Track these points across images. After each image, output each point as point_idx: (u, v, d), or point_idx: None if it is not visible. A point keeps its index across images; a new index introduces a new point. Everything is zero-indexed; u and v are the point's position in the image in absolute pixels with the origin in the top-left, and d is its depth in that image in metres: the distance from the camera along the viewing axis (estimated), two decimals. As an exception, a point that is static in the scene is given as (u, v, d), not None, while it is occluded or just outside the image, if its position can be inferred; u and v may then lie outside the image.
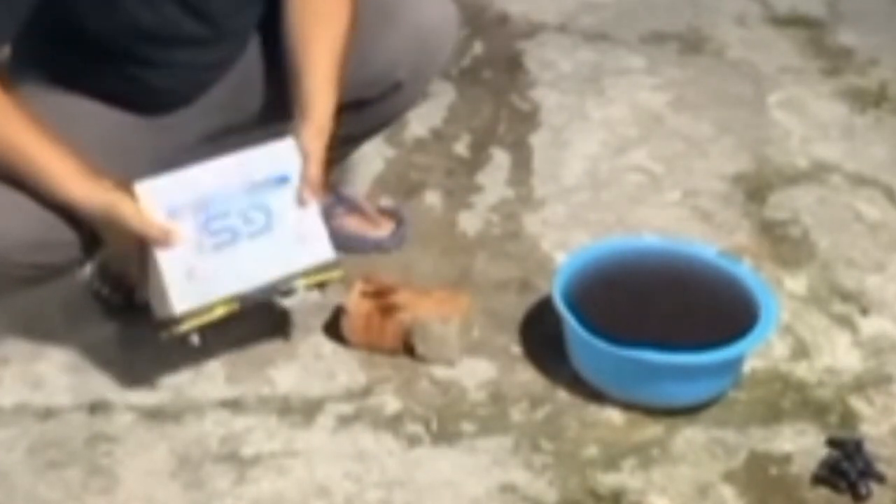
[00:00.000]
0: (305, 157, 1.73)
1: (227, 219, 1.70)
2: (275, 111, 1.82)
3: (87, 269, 1.94)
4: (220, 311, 1.71)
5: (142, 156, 1.75)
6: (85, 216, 1.63)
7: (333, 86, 1.76)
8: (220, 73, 1.81)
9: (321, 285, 1.80)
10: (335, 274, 1.80)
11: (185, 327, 1.69)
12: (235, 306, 1.73)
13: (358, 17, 1.80)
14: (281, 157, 1.74)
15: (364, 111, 1.90)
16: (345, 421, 1.77)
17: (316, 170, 1.74)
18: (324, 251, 1.78)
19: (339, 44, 1.77)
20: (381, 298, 1.89)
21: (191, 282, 1.69)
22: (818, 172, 2.40)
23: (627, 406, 1.79)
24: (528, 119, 2.56)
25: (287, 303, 1.90)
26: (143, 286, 1.73)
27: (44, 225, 1.61)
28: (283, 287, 1.76)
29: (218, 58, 1.79)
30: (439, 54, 1.93)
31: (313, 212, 1.76)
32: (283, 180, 1.74)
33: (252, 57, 1.84)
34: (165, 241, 1.64)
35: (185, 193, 1.67)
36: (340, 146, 1.97)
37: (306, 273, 1.77)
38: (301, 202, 1.74)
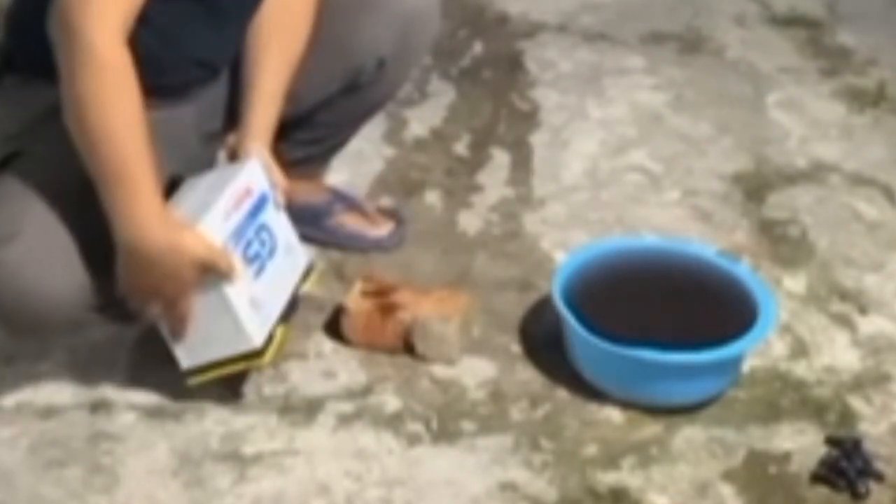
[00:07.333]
0: (267, 166, 1.78)
1: (253, 245, 1.73)
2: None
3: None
4: (279, 337, 1.74)
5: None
6: (134, 249, 1.56)
7: (277, 104, 1.80)
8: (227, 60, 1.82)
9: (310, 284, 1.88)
10: (317, 270, 1.91)
11: (266, 360, 1.71)
12: (284, 329, 1.76)
13: (338, 7, 1.83)
14: (259, 175, 1.77)
15: (352, 96, 1.93)
16: (345, 420, 1.77)
17: (280, 175, 1.80)
18: (305, 253, 1.87)
19: (292, 60, 1.81)
20: (382, 297, 1.89)
21: (255, 311, 1.70)
22: (817, 172, 2.40)
23: (627, 405, 1.79)
24: (528, 119, 2.56)
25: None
26: (180, 336, 1.68)
27: (91, 269, 1.58)
28: (296, 297, 1.83)
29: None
30: (421, 36, 1.96)
31: (287, 219, 1.82)
32: (265, 198, 1.77)
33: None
34: (231, 271, 1.63)
35: (226, 224, 1.67)
36: (330, 136, 2.01)
37: (304, 277, 1.85)
38: (278, 207, 1.79)
